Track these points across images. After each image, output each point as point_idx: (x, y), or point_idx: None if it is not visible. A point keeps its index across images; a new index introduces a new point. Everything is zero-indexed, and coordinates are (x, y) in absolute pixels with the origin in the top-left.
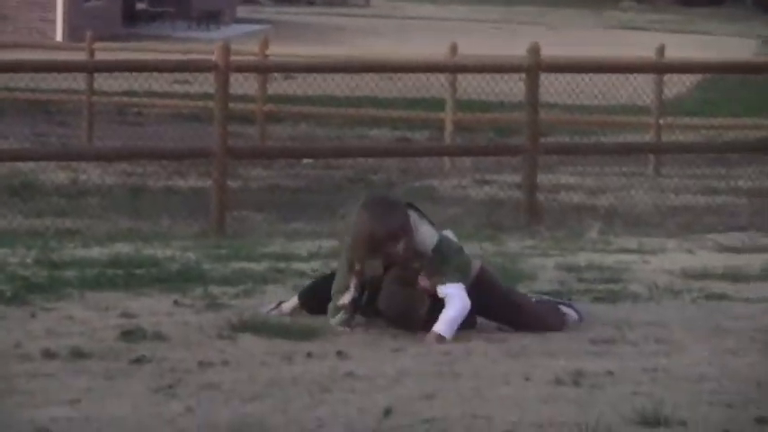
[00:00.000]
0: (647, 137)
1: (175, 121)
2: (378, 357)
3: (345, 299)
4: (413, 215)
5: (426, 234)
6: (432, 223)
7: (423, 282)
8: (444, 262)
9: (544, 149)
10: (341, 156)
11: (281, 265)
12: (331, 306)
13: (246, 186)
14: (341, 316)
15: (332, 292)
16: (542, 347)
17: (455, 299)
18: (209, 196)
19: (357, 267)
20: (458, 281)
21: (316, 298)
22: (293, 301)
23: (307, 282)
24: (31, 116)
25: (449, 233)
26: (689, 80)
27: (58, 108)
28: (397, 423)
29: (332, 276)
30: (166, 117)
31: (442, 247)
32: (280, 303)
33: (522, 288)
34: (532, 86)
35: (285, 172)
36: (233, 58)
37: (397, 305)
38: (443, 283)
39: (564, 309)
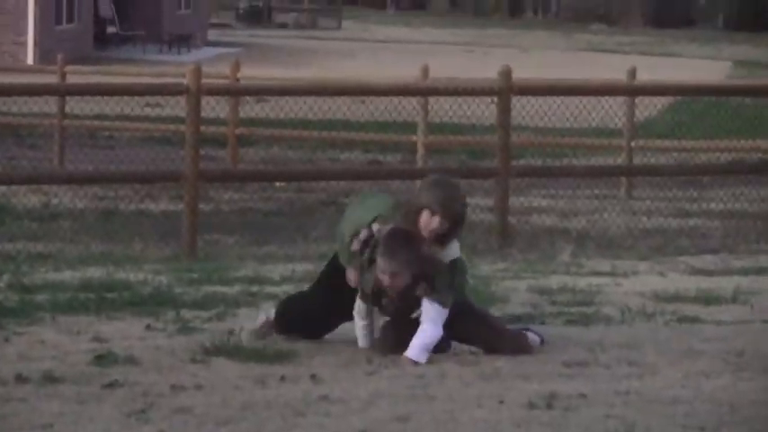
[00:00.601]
0: (619, 159)
1: (147, 144)
2: (352, 380)
3: (355, 245)
4: None
5: (452, 249)
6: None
7: (419, 289)
8: (448, 280)
9: (516, 172)
10: (313, 179)
11: (254, 288)
12: (344, 253)
13: (218, 210)
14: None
15: (346, 236)
16: (516, 370)
17: (431, 324)
18: (181, 220)
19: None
20: (445, 306)
21: (287, 316)
22: (266, 316)
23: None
24: (2, 140)
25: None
26: (660, 102)
27: (29, 131)
28: None
29: (306, 296)
30: (138, 140)
31: (456, 265)
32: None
33: (494, 311)
34: (504, 109)
35: (257, 195)
36: (204, 81)
37: (389, 346)
38: (433, 299)
39: (527, 333)
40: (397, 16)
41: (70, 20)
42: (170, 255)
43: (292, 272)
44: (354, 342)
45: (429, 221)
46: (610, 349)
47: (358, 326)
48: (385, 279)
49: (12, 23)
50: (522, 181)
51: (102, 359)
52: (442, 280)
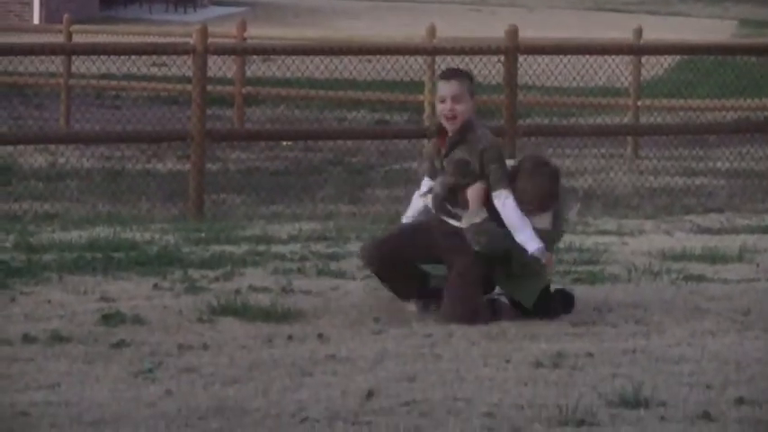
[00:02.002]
0: (626, 119)
1: (153, 104)
2: (359, 339)
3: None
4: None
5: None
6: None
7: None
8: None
9: (522, 131)
10: (320, 138)
11: (261, 248)
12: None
13: (225, 169)
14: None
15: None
16: (522, 330)
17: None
18: (188, 179)
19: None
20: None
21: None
22: None
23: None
24: (8, 99)
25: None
26: (666, 62)
27: (35, 91)
28: (379, 405)
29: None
30: (144, 100)
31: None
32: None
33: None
34: (511, 69)
35: (264, 154)
36: (211, 40)
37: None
38: (499, 193)
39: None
40: None
41: None
42: (177, 214)
43: (299, 231)
44: (361, 302)
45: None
46: (616, 308)
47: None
48: (445, 106)
49: None
50: (529, 140)
51: (109, 319)
52: (498, 171)
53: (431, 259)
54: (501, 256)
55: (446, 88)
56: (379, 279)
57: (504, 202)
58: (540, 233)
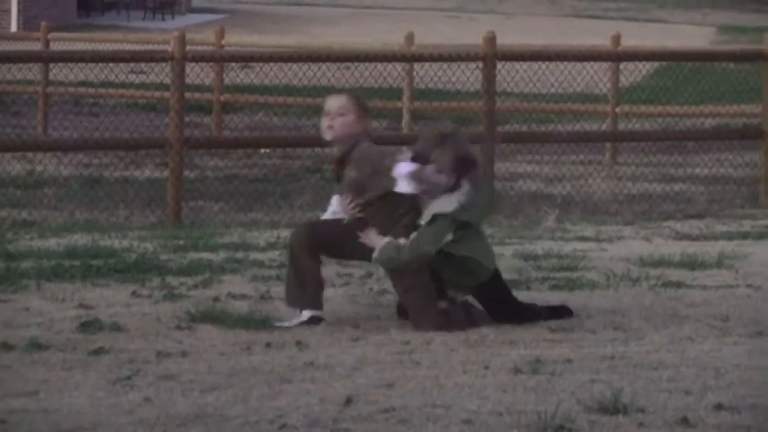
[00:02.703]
0: (604, 125)
1: (131, 111)
2: (337, 346)
3: None
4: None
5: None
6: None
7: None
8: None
9: (501, 138)
10: (298, 145)
11: (239, 255)
12: None
13: (203, 176)
14: None
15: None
16: (501, 336)
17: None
18: (166, 187)
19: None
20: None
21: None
22: None
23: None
24: None
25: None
26: (645, 68)
27: (13, 99)
28: (358, 412)
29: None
30: (122, 107)
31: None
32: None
33: None
34: (489, 75)
35: (242, 162)
36: (189, 48)
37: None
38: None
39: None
40: None
41: None
42: (155, 222)
43: (278, 238)
44: (340, 309)
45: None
46: (595, 314)
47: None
48: (325, 120)
49: None
50: (507, 147)
51: (87, 326)
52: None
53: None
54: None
55: (329, 103)
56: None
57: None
58: (439, 218)
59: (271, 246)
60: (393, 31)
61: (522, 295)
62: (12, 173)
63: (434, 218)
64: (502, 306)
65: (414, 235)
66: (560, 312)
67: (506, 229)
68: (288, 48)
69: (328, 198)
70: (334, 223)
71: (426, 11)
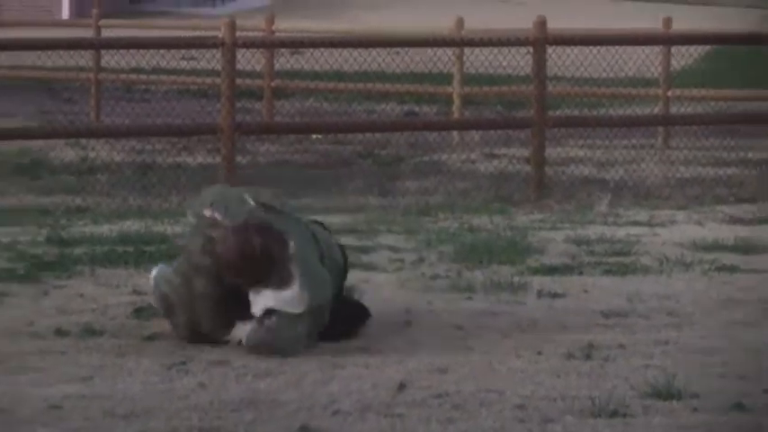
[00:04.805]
0: (656, 109)
1: (183, 97)
2: (390, 332)
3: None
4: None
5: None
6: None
7: None
8: None
9: (552, 122)
10: (349, 131)
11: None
12: None
13: (255, 162)
14: None
15: None
16: (554, 321)
17: None
18: (218, 172)
19: None
20: None
21: None
22: None
23: None
24: (38, 94)
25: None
26: (696, 51)
27: (65, 86)
28: (411, 397)
29: None
30: (174, 93)
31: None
32: None
33: (531, 262)
34: (539, 60)
35: (293, 147)
36: (239, 34)
37: None
38: None
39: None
40: None
41: None
42: None
43: (330, 224)
44: (392, 295)
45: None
46: (648, 299)
47: None
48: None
49: None
50: (559, 131)
51: (141, 312)
52: None
53: None
54: None
55: None
56: None
57: None
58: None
59: None
60: (443, 15)
61: (574, 280)
62: (65, 159)
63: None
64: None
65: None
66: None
67: (558, 214)
68: (338, 33)
69: (379, 183)
70: None
71: None
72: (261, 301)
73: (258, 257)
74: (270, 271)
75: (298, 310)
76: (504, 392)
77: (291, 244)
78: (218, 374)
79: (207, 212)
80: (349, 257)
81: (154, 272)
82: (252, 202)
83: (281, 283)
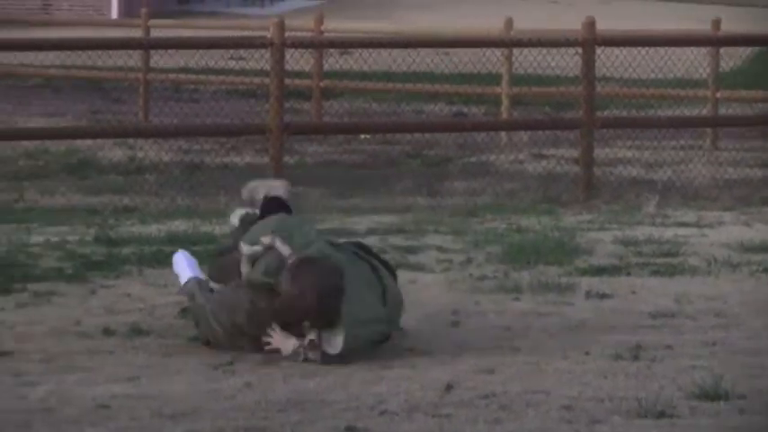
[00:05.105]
0: (704, 110)
1: (231, 97)
2: (437, 332)
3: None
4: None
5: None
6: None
7: None
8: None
9: (601, 123)
10: (397, 131)
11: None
12: None
13: (303, 162)
14: None
15: None
16: (601, 322)
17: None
18: (266, 173)
19: None
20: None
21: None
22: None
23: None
24: (87, 94)
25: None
26: (745, 53)
27: (114, 86)
28: (458, 398)
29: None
30: (222, 94)
31: None
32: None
33: (579, 262)
34: (588, 60)
35: (342, 148)
36: (288, 34)
37: None
38: None
39: None
40: None
41: None
42: None
43: (377, 224)
44: (439, 295)
45: None
46: (695, 300)
47: None
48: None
49: None
50: (607, 132)
51: (188, 312)
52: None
53: None
54: None
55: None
56: None
57: None
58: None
59: (370, 231)
60: (492, 16)
61: (621, 281)
62: (113, 159)
63: None
64: None
65: None
66: None
67: (606, 215)
68: (387, 33)
69: (427, 183)
70: None
71: None
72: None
73: (312, 308)
74: (322, 318)
75: (335, 351)
76: (550, 393)
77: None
78: (265, 375)
79: (266, 240)
80: (396, 257)
81: (184, 276)
82: (314, 235)
83: (329, 323)
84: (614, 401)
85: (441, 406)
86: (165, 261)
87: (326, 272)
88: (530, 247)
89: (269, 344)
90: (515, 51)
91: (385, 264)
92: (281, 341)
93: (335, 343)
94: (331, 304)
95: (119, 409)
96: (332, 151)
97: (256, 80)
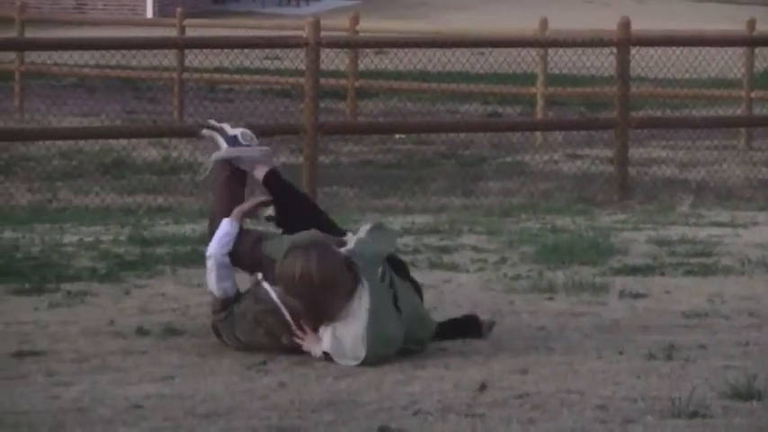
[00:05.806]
0: (739, 110)
1: (266, 97)
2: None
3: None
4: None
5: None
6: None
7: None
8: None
9: (635, 123)
10: (432, 131)
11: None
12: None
13: (338, 162)
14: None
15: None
16: (635, 322)
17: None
18: (301, 172)
19: None
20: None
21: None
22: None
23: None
24: (122, 93)
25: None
26: None
27: (149, 85)
28: (492, 398)
29: None
30: (257, 93)
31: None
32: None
33: (613, 262)
34: (623, 60)
35: (377, 147)
36: (323, 33)
37: None
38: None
39: None
40: None
41: None
42: None
43: (412, 224)
44: (474, 295)
45: None
46: (729, 300)
47: None
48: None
49: None
50: (642, 132)
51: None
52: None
53: None
54: None
55: None
56: None
57: None
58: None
59: (405, 231)
60: (526, 16)
61: (655, 281)
62: (148, 159)
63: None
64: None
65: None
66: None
67: (640, 215)
68: (422, 33)
69: (462, 183)
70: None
71: None
72: (324, 339)
73: (317, 281)
74: (331, 303)
75: (351, 363)
76: (584, 393)
77: (365, 287)
78: (299, 375)
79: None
80: (431, 257)
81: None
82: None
83: (346, 326)
84: (647, 401)
85: (474, 406)
86: (199, 261)
87: (330, 256)
88: (564, 247)
89: (301, 343)
90: (550, 51)
91: (414, 283)
92: (311, 344)
93: (354, 358)
94: (337, 281)
95: (152, 409)
96: (367, 151)
97: (291, 80)
